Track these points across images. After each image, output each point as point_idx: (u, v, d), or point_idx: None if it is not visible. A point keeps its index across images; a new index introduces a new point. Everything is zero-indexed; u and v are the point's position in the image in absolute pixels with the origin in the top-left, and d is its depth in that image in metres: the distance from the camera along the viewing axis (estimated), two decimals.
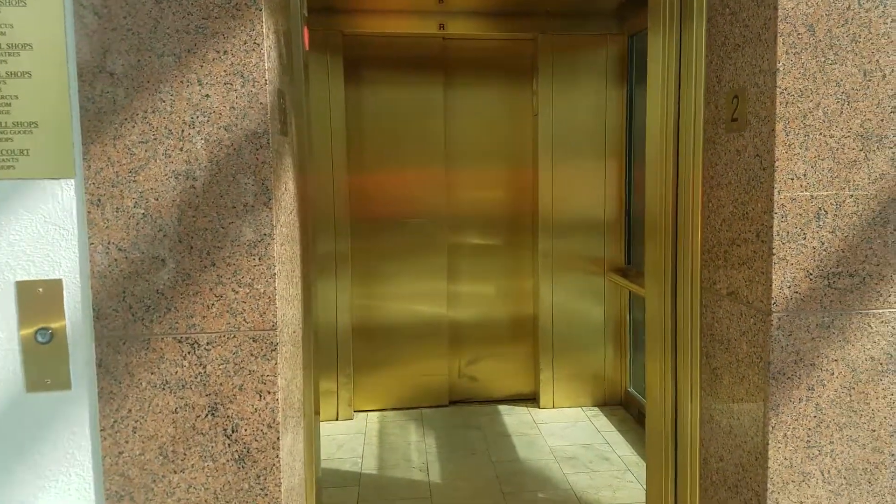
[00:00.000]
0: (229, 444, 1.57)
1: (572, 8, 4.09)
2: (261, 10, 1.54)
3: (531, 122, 4.25)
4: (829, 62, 1.67)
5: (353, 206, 4.06)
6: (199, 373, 1.56)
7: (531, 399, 4.35)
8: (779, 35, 1.65)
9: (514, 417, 4.05)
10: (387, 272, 4.18)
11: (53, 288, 1.56)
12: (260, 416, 1.57)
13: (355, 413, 4.13)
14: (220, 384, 1.56)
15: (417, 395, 4.25)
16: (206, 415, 1.57)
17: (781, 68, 1.65)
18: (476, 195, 4.29)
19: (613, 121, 4.17)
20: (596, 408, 4.23)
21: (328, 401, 4.02)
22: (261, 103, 1.55)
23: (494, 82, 4.28)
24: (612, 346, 4.28)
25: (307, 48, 2.19)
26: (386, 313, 4.20)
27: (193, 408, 1.57)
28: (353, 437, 3.76)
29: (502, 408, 4.22)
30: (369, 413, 4.15)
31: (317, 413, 2.10)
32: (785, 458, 1.73)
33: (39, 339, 1.56)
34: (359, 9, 3.99)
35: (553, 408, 4.22)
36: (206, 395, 1.57)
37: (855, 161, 1.69)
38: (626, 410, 4.16)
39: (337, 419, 4.02)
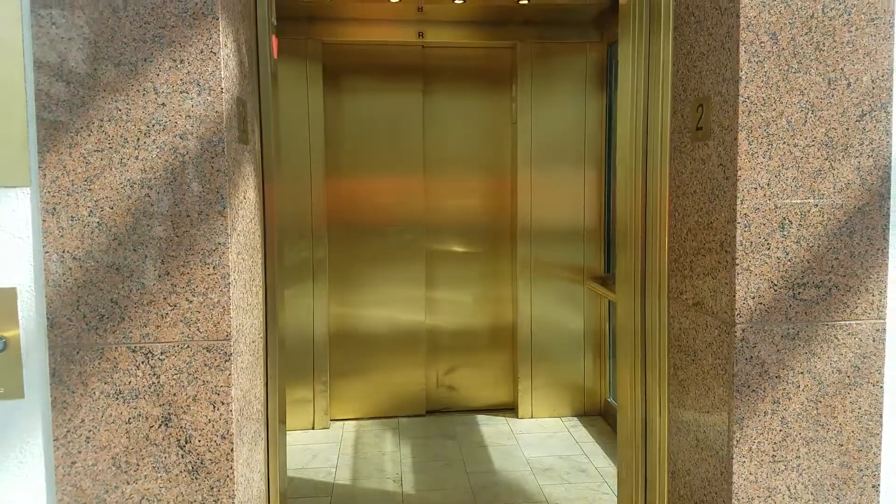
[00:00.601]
0: (182, 455, 1.54)
1: (551, 16, 4.10)
2: (217, 19, 1.53)
3: (510, 130, 4.25)
4: (793, 70, 1.67)
5: (330, 214, 4.04)
6: (153, 383, 1.53)
7: (510, 409, 4.33)
8: (741, 43, 1.65)
9: (491, 427, 4.02)
10: (365, 280, 4.15)
11: (7, 296, 1.53)
12: (213, 426, 1.54)
13: (332, 422, 4.10)
14: (174, 394, 1.54)
15: (395, 404, 4.22)
16: (160, 425, 1.54)
17: (744, 77, 1.65)
18: (455, 203, 4.28)
19: (593, 128, 4.17)
20: (575, 418, 4.21)
21: (304, 409, 3.98)
22: (216, 112, 1.53)
23: (474, 90, 4.28)
24: (592, 355, 4.26)
25: (276, 56, 2.17)
26: (364, 321, 4.17)
27: (147, 418, 1.54)
28: (328, 447, 3.72)
29: (480, 418, 4.19)
30: (346, 422, 4.11)
31: (282, 423, 2.07)
32: (750, 473, 1.72)
33: None
34: (339, 17, 3.99)
35: (532, 418, 4.20)
36: (160, 406, 1.54)
37: (820, 170, 1.69)
38: (605, 421, 4.15)
39: (313, 428, 3.98)
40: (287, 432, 3.90)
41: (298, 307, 3.94)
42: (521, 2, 3.98)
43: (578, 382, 4.26)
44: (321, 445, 3.75)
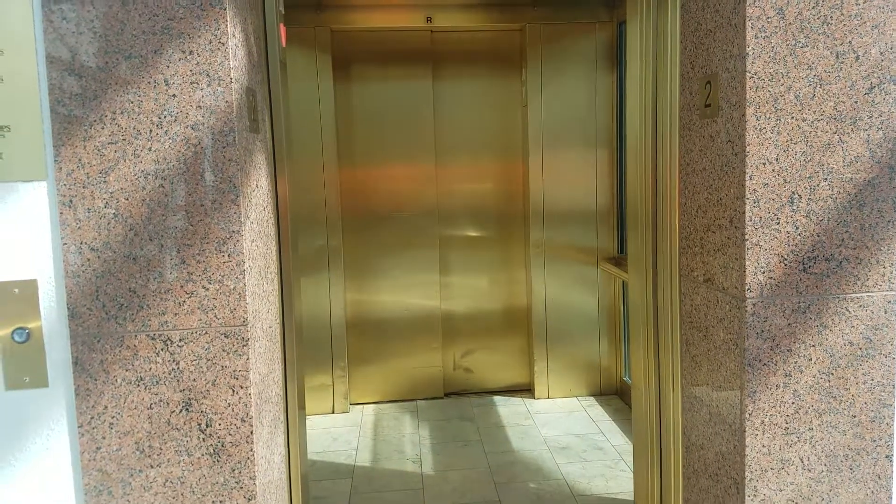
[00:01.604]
0: (203, 439, 1.58)
1: None
2: (225, 9, 1.54)
3: (521, 113, 4.24)
4: (800, 45, 1.66)
5: (344, 201, 4.07)
6: (173, 369, 1.57)
7: (527, 390, 4.35)
8: (748, 19, 1.64)
9: (508, 408, 4.05)
10: (379, 266, 4.18)
11: (29, 288, 1.57)
12: (233, 410, 1.58)
13: (351, 406, 4.15)
14: (194, 380, 1.57)
15: (413, 387, 4.26)
16: (181, 410, 1.58)
17: (751, 52, 1.65)
18: (467, 187, 4.28)
19: (604, 109, 4.15)
20: (591, 397, 4.23)
21: (324, 394, 4.04)
22: (227, 102, 1.55)
23: (483, 74, 4.27)
24: (607, 335, 4.27)
25: (284, 45, 2.19)
26: (380, 307, 4.21)
27: (168, 403, 1.58)
28: (348, 430, 3.78)
29: (497, 399, 4.23)
30: (365, 406, 4.16)
31: (302, 408, 2.11)
32: (763, 446, 1.73)
33: (16, 338, 1.57)
34: (347, 4, 3.98)
35: (548, 398, 4.22)
36: (180, 391, 1.58)
37: (829, 144, 1.69)
38: (621, 399, 4.16)
39: (333, 412, 4.03)
40: (308, 417, 3.96)
41: (315, 295, 3.98)
42: None
43: (594, 362, 4.28)
44: (341, 429, 3.81)
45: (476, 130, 4.25)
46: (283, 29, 2.17)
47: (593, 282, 4.23)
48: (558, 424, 3.78)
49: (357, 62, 4.10)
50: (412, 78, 4.15)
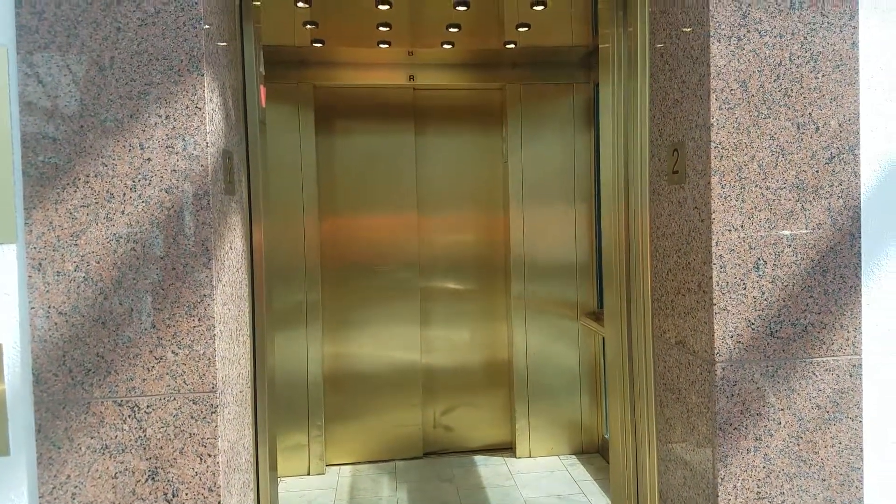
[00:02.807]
0: None
1: (538, 59, 4.18)
2: (202, 75, 1.58)
3: (502, 169, 4.31)
4: (763, 116, 1.72)
5: (324, 256, 4.08)
6: (140, 436, 1.55)
7: (508, 448, 4.30)
8: (712, 91, 1.70)
9: (489, 468, 4.00)
10: (359, 319, 4.17)
11: None
12: (201, 479, 1.55)
13: (327, 467, 4.07)
14: (161, 448, 1.55)
15: (391, 446, 4.19)
16: (147, 479, 1.55)
17: (715, 123, 1.70)
18: (448, 241, 4.31)
19: (582, 166, 4.23)
20: (573, 456, 4.18)
21: (299, 455, 3.96)
22: (202, 166, 1.57)
23: (465, 130, 4.35)
24: (588, 391, 4.26)
25: (263, 104, 2.23)
26: (359, 362, 4.17)
27: (133, 472, 1.55)
28: (323, 493, 3.70)
29: (478, 458, 4.17)
30: (342, 467, 4.08)
31: (273, 471, 2.07)
32: None
33: None
34: (330, 61, 4.07)
35: (530, 457, 4.17)
36: (147, 460, 1.55)
37: (792, 212, 1.73)
38: (603, 458, 4.12)
39: (308, 474, 3.95)
40: (282, 479, 3.88)
41: (292, 350, 3.95)
42: (508, 45, 4.07)
43: (576, 419, 4.25)
44: (317, 492, 3.73)
45: (458, 184, 4.31)
46: (263, 90, 2.22)
47: (574, 336, 4.24)
48: (539, 485, 3.73)
49: (340, 117, 4.17)
50: (395, 132, 4.22)
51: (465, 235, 4.34)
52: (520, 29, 4.06)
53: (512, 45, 4.06)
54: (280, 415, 3.91)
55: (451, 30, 4.03)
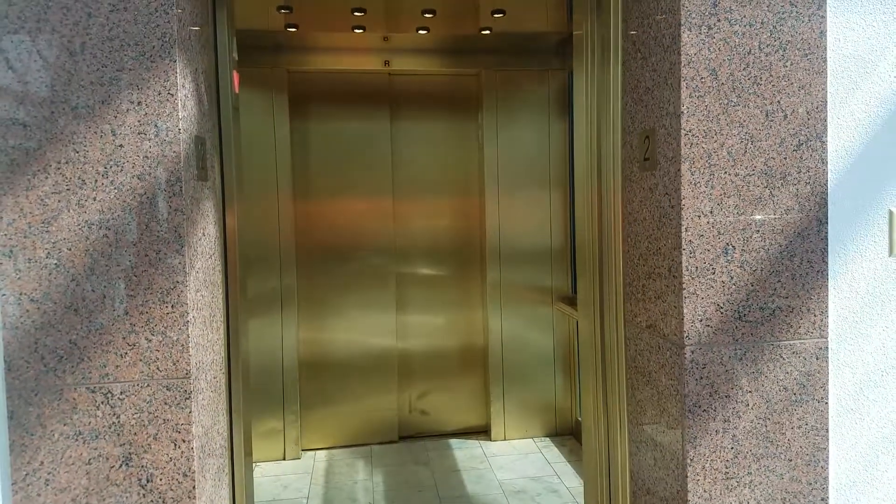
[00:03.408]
0: (144, 495, 1.55)
1: (514, 45, 4.19)
2: (175, 61, 1.56)
3: (477, 155, 4.32)
4: (732, 104, 1.75)
5: (299, 241, 4.06)
6: (113, 423, 1.54)
7: (483, 431, 4.35)
8: (682, 79, 1.72)
9: (464, 451, 4.04)
10: (335, 306, 4.17)
11: None
12: (175, 465, 1.56)
13: (303, 452, 4.08)
14: (135, 434, 1.55)
15: (367, 431, 4.22)
16: (121, 465, 1.55)
17: (686, 111, 1.72)
18: (424, 226, 4.32)
19: (557, 152, 4.26)
20: (547, 438, 4.24)
21: (274, 440, 3.97)
22: (174, 152, 1.56)
23: (440, 115, 4.35)
24: (563, 375, 4.31)
25: (237, 90, 2.21)
26: (334, 348, 4.18)
27: (107, 458, 1.55)
28: (299, 478, 3.71)
29: (453, 441, 4.21)
30: (317, 451, 4.10)
31: (248, 456, 2.08)
32: (704, 491, 1.77)
33: None
34: (305, 46, 4.03)
35: (504, 440, 4.22)
36: (121, 446, 1.55)
37: (760, 198, 1.76)
38: (576, 440, 4.19)
39: (284, 459, 3.96)
40: (258, 464, 3.88)
41: (267, 336, 3.95)
42: (483, 31, 4.07)
43: (550, 402, 4.30)
44: (292, 476, 3.74)
45: (433, 170, 4.31)
46: (236, 75, 2.20)
47: (549, 320, 4.28)
48: (514, 467, 3.78)
49: (315, 102, 4.14)
50: (370, 118, 4.20)
51: (440, 221, 4.35)
52: (495, 15, 4.05)
53: (487, 32, 4.05)
54: (255, 400, 3.91)
55: (427, 15, 4.01)
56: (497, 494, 3.42)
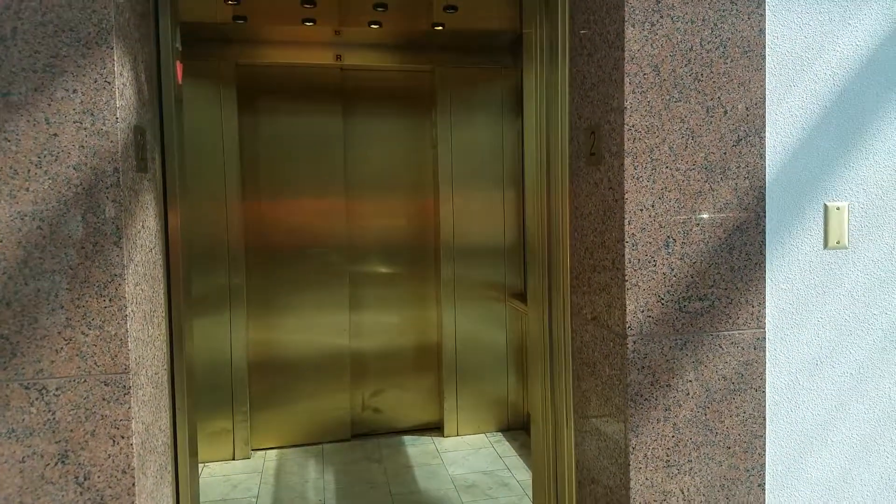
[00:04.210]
0: (81, 493, 1.51)
1: (467, 42, 4.20)
2: (112, 48, 1.52)
3: (431, 152, 4.32)
4: (674, 100, 1.78)
5: (249, 238, 4.00)
6: (49, 419, 1.50)
7: (437, 428, 4.36)
8: (626, 75, 1.75)
9: (417, 448, 4.04)
10: (286, 304, 4.12)
11: None
12: (114, 461, 1.52)
13: (253, 452, 4.02)
14: (71, 430, 1.50)
15: (319, 430, 4.18)
16: (56, 463, 1.50)
17: (629, 106, 1.75)
18: (377, 224, 4.31)
19: (511, 150, 4.29)
20: (500, 433, 4.27)
21: (224, 440, 3.91)
22: (111, 142, 1.52)
23: (394, 112, 4.34)
24: (515, 370, 4.35)
25: (180, 81, 2.17)
26: (285, 347, 4.13)
27: (42, 456, 1.50)
28: (249, 477, 3.66)
29: (407, 438, 4.21)
30: (268, 451, 4.05)
31: (193, 455, 2.04)
32: (646, 479, 1.80)
33: None
34: (254, 39, 3.98)
35: (457, 435, 4.24)
36: (56, 443, 1.50)
37: (700, 192, 1.80)
38: (527, 434, 4.22)
39: (233, 459, 3.90)
40: (206, 464, 3.82)
41: (216, 336, 3.88)
42: (436, 27, 4.07)
43: (503, 398, 4.33)
44: (242, 476, 3.69)
45: (387, 167, 4.30)
46: (179, 66, 2.15)
47: (502, 317, 4.31)
48: (466, 462, 3.80)
49: (264, 96, 4.09)
50: (322, 113, 4.16)
51: (394, 219, 4.34)
52: (447, 11, 4.06)
53: (440, 28, 4.06)
54: (204, 400, 3.84)
55: (378, 9, 3.99)
56: (449, 489, 3.43)
